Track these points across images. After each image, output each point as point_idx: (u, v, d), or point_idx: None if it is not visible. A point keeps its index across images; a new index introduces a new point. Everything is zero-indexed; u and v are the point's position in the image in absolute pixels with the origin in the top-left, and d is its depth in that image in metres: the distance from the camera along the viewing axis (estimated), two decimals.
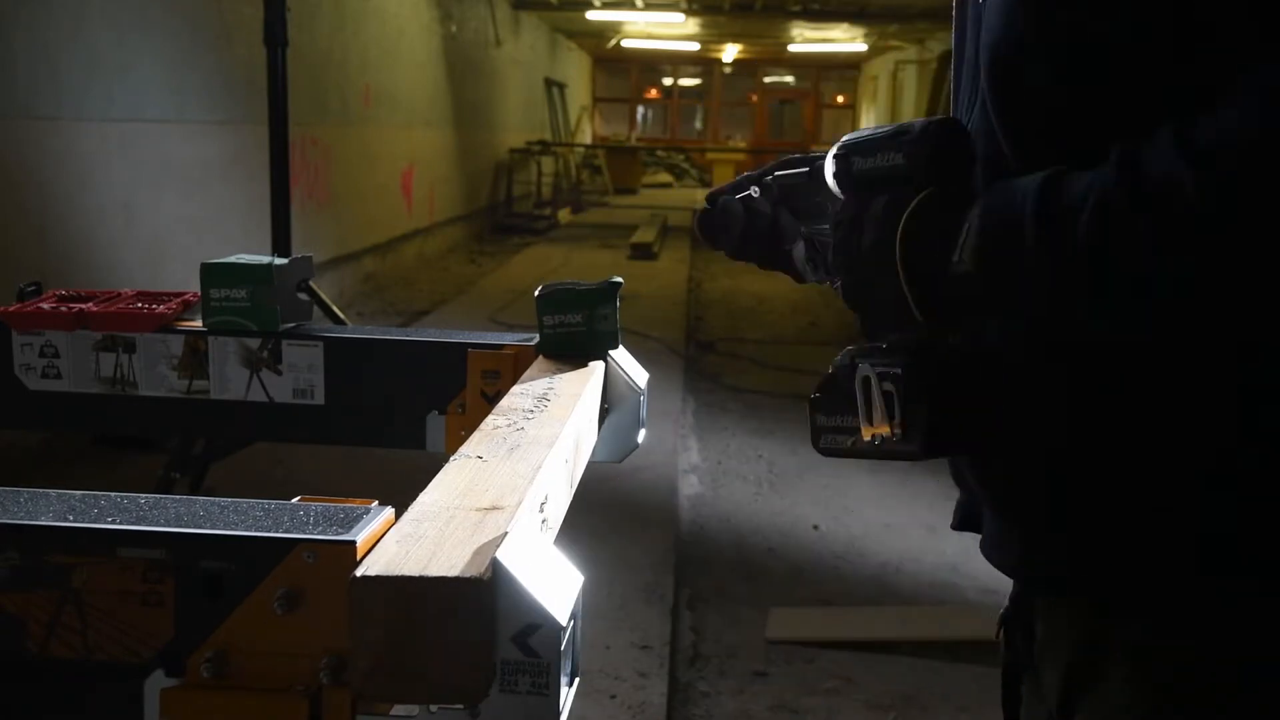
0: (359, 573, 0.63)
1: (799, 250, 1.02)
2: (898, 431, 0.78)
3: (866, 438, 0.80)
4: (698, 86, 28.18)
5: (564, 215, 15.15)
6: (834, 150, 0.83)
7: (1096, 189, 0.68)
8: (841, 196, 0.83)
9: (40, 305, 1.34)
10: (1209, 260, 0.66)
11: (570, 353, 1.20)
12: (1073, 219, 0.69)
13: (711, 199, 1.07)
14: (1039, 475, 0.83)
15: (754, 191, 1.03)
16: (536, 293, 1.23)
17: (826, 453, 0.85)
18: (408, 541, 0.68)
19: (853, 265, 0.80)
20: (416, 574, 0.63)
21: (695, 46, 23.28)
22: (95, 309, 1.32)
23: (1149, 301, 0.69)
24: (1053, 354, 0.79)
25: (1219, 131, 0.65)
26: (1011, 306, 0.75)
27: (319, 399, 1.31)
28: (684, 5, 15.53)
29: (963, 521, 0.98)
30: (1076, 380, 0.79)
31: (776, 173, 1.00)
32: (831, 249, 0.83)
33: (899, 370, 0.78)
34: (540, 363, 1.19)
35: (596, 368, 1.18)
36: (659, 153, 25.03)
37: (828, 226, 0.90)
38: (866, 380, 0.79)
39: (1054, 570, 0.84)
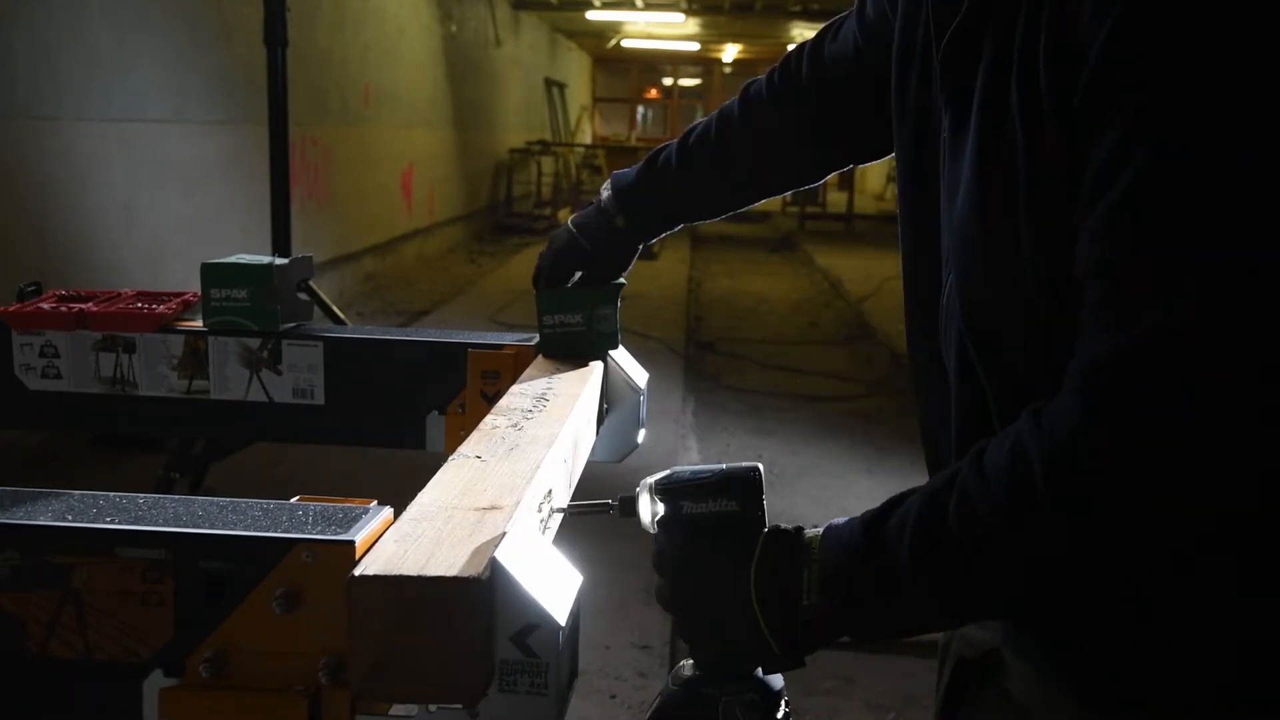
0: (358, 572, 0.63)
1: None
2: None
3: None
4: (698, 86, 28.16)
5: (564, 215, 15.12)
6: (654, 489, 0.86)
7: (913, 522, 0.77)
8: (654, 533, 0.86)
9: (40, 305, 1.34)
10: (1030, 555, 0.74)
11: (570, 353, 1.20)
12: (897, 553, 0.77)
13: None
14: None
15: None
16: (536, 293, 1.23)
17: None
18: (406, 541, 0.68)
19: (698, 608, 0.84)
20: (415, 573, 0.63)
21: (695, 46, 23.26)
22: (95, 309, 1.32)
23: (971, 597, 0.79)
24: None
25: (1044, 438, 0.72)
26: (862, 625, 0.82)
27: (319, 399, 1.31)
28: (684, 5, 15.52)
29: None
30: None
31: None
32: (665, 591, 0.85)
33: (756, 698, 0.84)
34: (539, 363, 1.19)
35: (596, 368, 1.18)
36: None
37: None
38: (730, 708, 0.84)
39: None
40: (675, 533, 0.84)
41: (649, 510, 0.86)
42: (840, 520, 0.83)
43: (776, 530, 0.83)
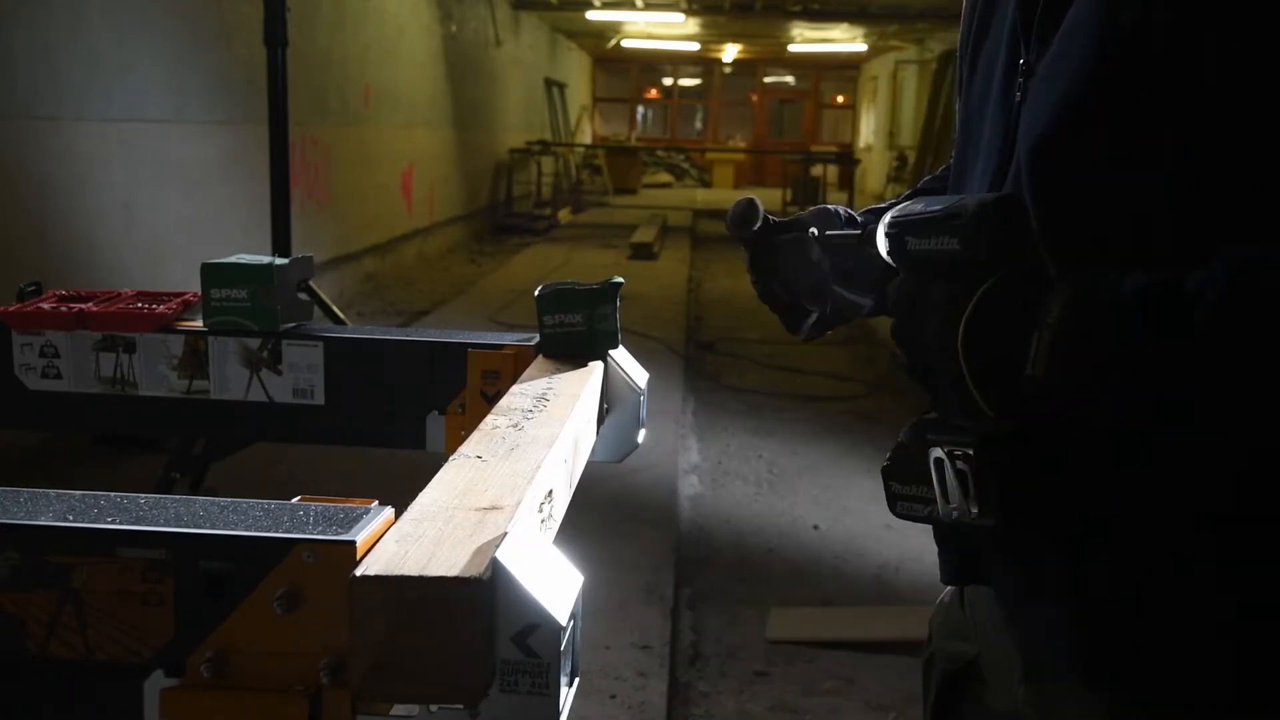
0: (359, 572, 0.63)
1: (810, 321, 1.07)
2: (974, 509, 0.78)
3: (943, 514, 0.80)
4: (698, 86, 28.16)
5: (564, 215, 15.15)
6: (885, 226, 0.81)
7: (1210, 295, 0.67)
8: (895, 266, 0.82)
9: (40, 305, 1.34)
10: None
11: (570, 353, 1.20)
12: (1188, 322, 0.68)
13: (756, 215, 1.07)
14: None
15: (811, 232, 1.04)
16: (536, 293, 1.23)
17: (903, 518, 0.86)
18: (407, 541, 0.68)
19: (916, 350, 0.79)
20: (416, 574, 0.63)
21: (695, 46, 23.26)
22: (95, 309, 1.32)
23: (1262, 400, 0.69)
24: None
25: None
26: (1090, 410, 0.74)
27: (319, 399, 1.31)
28: (684, 5, 15.52)
29: (958, 574, 0.99)
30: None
31: (827, 231, 1.01)
32: (893, 326, 0.82)
33: (970, 451, 0.77)
34: (540, 362, 1.19)
35: (596, 368, 1.18)
36: (659, 153, 25.02)
37: (862, 299, 0.94)
38: (940, 461, 0.79)
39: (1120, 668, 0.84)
40: (900, 268, 0.80)
41: (884, 245, 0.81)
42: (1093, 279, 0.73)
43: (1008, 278, 0.74)
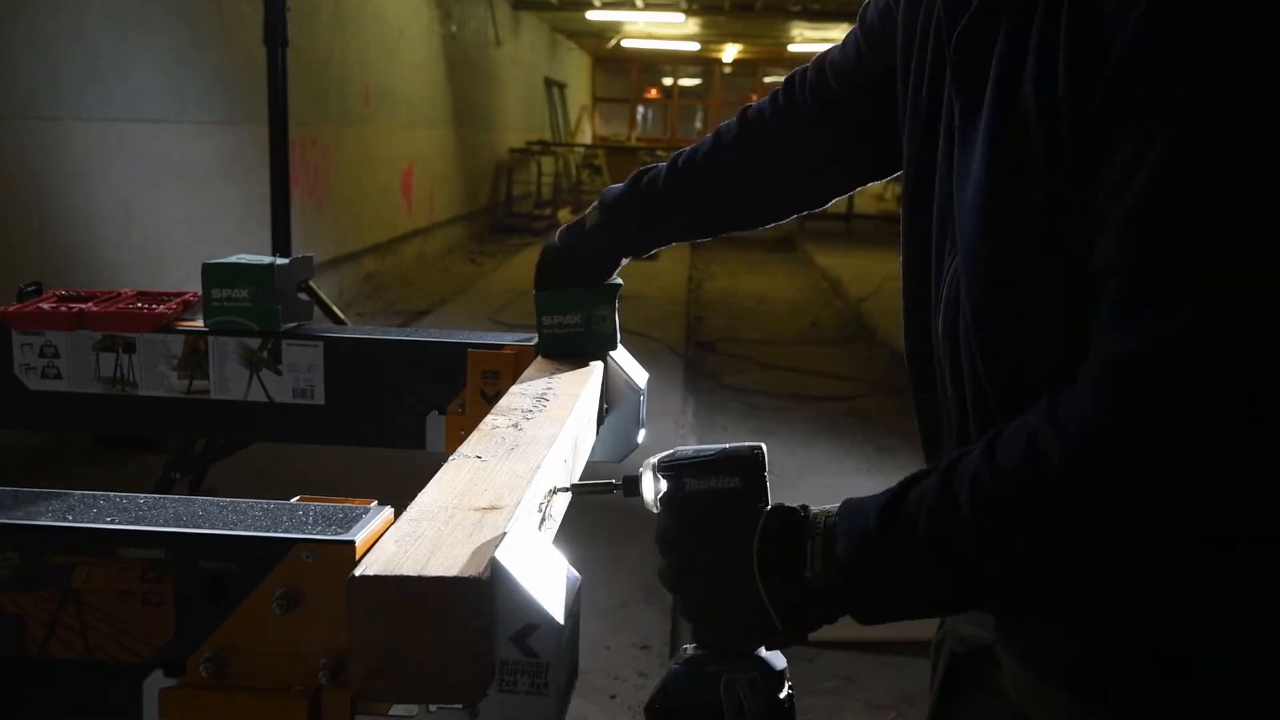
0: (358, 572, 0.63)
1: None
2: None
3: None
4: (698, 86, 28.16)
5: (564, 215, 15.14)
6: (657, 468, 0.87)
7: (928, 507, 0.78)
8: (660, 513, 0.86)
9: (40, 305, 1.34)
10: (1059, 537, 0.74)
11: (568, 354, 1.20)
12: (912, 536, 0.78)
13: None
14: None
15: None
16: (535, 294, 1.23)
17: None
18: (406, 541, 0.68)
19: (696, 584, 0.84)
20: (415, 574, 0.63)
21: (695, 46, 23.26)
22: (95, 309, 1.32)
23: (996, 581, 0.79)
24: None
25: (1058, 429, 0.72)
26: (864, 600, 0.82)
27: (319, 399, 1.31)
28: (684, 5, 15.52)
29: None
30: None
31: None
32: (668, 570, 0.86)
33: (756, 677, 0.85)
34: (539, 363, 1.19)
35: (595, 368, 1.18)
36: (659, 153, 24.99)
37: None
38: (731, 686, 0.84)
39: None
40: (677, 509, 0.85)
41: (652, 489, 0.87)
42: (856, 498, 0.83)
43: (780, 506, 0.84)
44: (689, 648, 0.87)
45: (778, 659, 0.87)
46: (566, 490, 0.92)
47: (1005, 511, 0.75)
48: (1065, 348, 0.77)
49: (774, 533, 0.82)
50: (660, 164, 1.28)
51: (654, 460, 0.87)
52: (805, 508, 0.84)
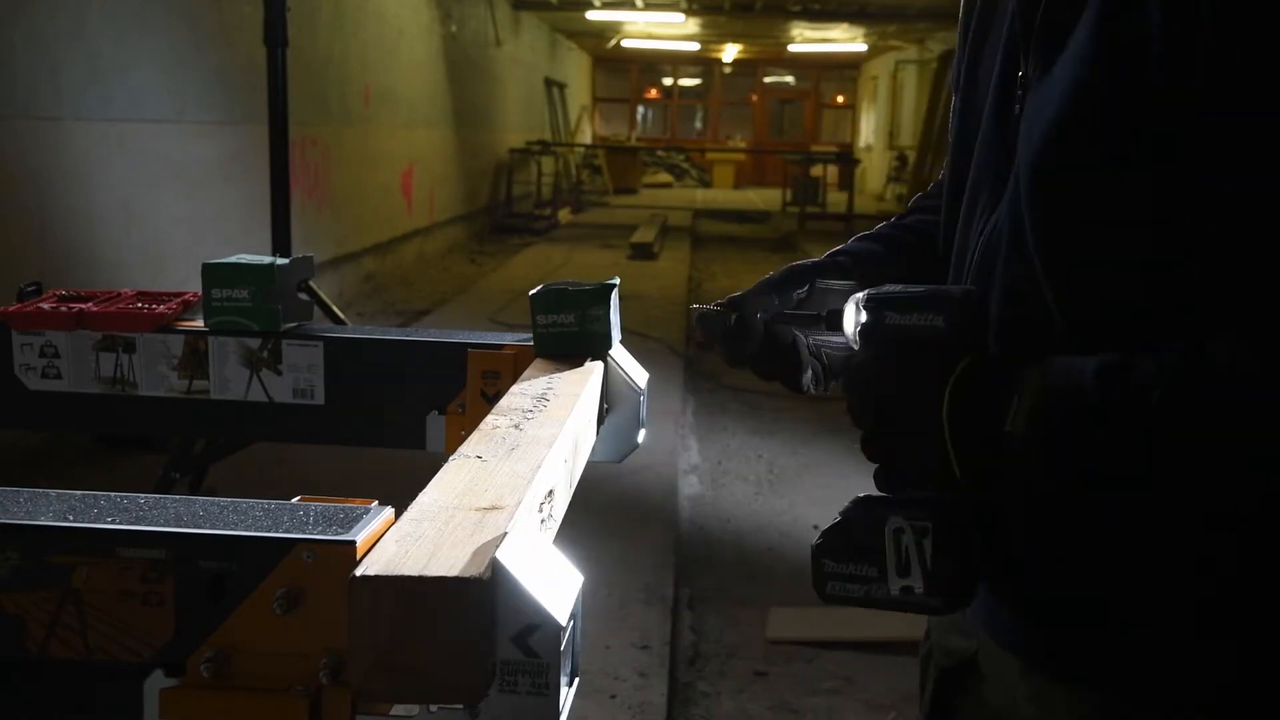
0: (358, 572, 0.63)
1: (807, 376, 1.02)
2: (920, 587, 0.80)
3: (894, 590, 0.81)
4: (698, 86, 28.17)
5: (564, 215, 15.15)
6: (861, 301, 0.83)
7: (1167, 376, 0.72)
8: (858, 347, 0.83)
9: (40, 305, 1.34)
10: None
11: (563, 353, 1.20)
12: (1143, 396, 0.72)
13: (728, 306, 1.05)
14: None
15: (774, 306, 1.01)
16: (530, 294, 1.23)
17: (832, 600, 0.85)
18: (407, 541, 0.68)
19: (884, 422, 0.81)
20: (416, 574, 0.63)
21: (695, 46, 23.27)
22: (95, 309, 1.32)
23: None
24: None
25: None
26: (1063, 469, 0.77)
27: (319, 399, 1.31)
28: (684, 5, 15.53)
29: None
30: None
31: (786, 311, 0.99)
32: (853, 404, 0.83)
33: (929, 525, 0.79)
34: (539, 363, 1.19)
35: (595, 368, 1.18)
36: (659, 153, 25.03)
37: (835, 340, 0.91)
38: (899, 532, 0.80)
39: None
40: (875, 343, 0.82)
41: (853, 322, 0.83)
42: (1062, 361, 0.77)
43: (986, 354, 0.79)
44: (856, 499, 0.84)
45: (958, 511, 0.81)
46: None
47: (1239, 399, 0.70)
48: (1144, 285, 0.75)
49: (971, 379, 0.77)
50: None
51: (859, 295, 0.83)
52: (1016, 360, 0.78)
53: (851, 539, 0.82)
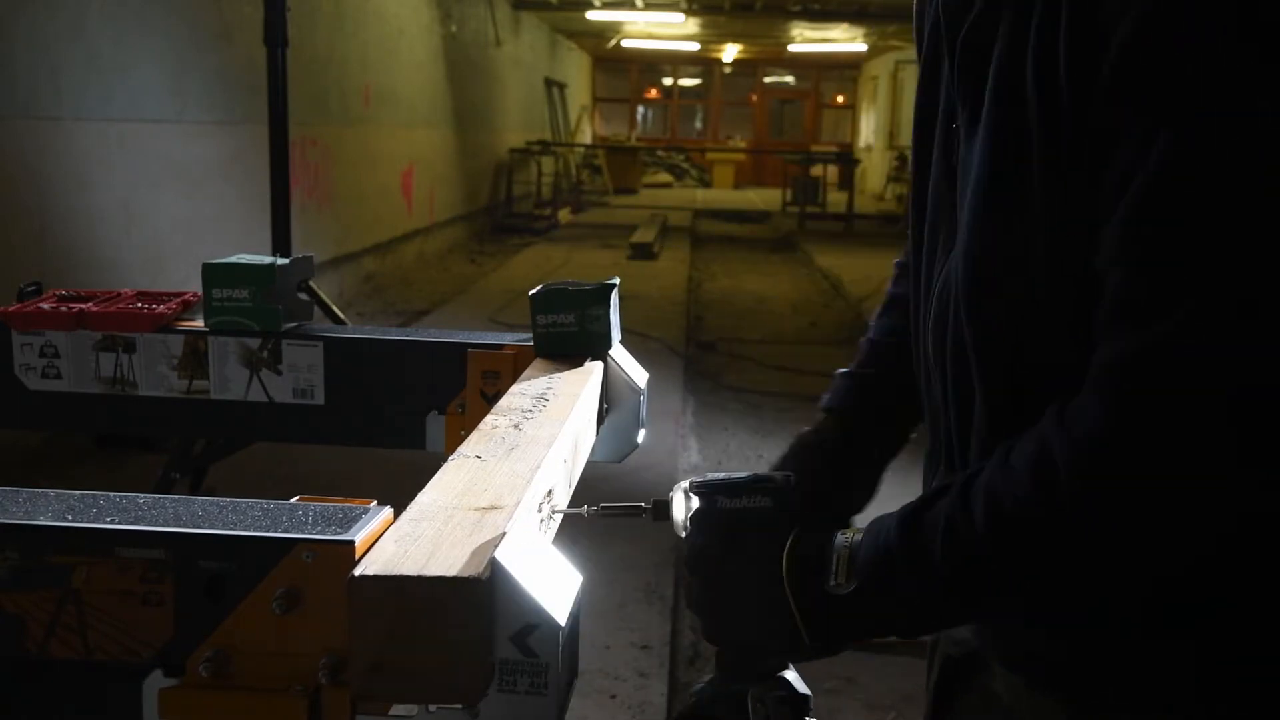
0: (358, 572, 0.63)
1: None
2: None
3: None
4: (698, 86, 28.16)
5: (564, 215, 15.15)
6: (689, 488, 0.89)
7: (944, 518, 0.78)
8: (687, 533, 0.88)
9: (40, 305, 1.34)
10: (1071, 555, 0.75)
11: (562, 353, 1.20)
12: (930, 548, 0.78)
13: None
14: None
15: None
16: (530, 294, 1.23)
17: None
18: (406, 541, 0.68)
19: (724, 601, 0.87)
20: (415, 573, 0.63)
21: (695, 46, 23.27)
22: (95, 309, 1.32)
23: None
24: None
25: (1071, 439, 0.72)
26: (887, 612, 0.83)
27: (319, 399, 1.31)
28: (684, 5, 15.53)
29: None
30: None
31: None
32: (697, 587, 0.88)
33: (784, 695, 0.88)
34: (539, 363, 1.19)
35: (595, 368, 1.18)
36: (659, 153, 25.03)
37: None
38: (761, 703, 0.87)
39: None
40: (709, 527, 0.87)
41: (682, 510, 0.89)
42: (883, 515, 0.85)
43: (810, 525, 0.86)
44: (709, 673, 0.90)
45: (801, 684, 0.89)
46: (595, 511, 0.93)
47: (1016, 520, 0.75)
48: (1066, 349, 0.77)
49: (803, 546, 0.84)
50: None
51: (685, 483, 0.89)
52: (834, 527, 0.86)
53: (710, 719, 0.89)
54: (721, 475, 0.89)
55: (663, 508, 0.90)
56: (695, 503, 0.88)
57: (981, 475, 0.78)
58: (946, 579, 0.78)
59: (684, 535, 0.89)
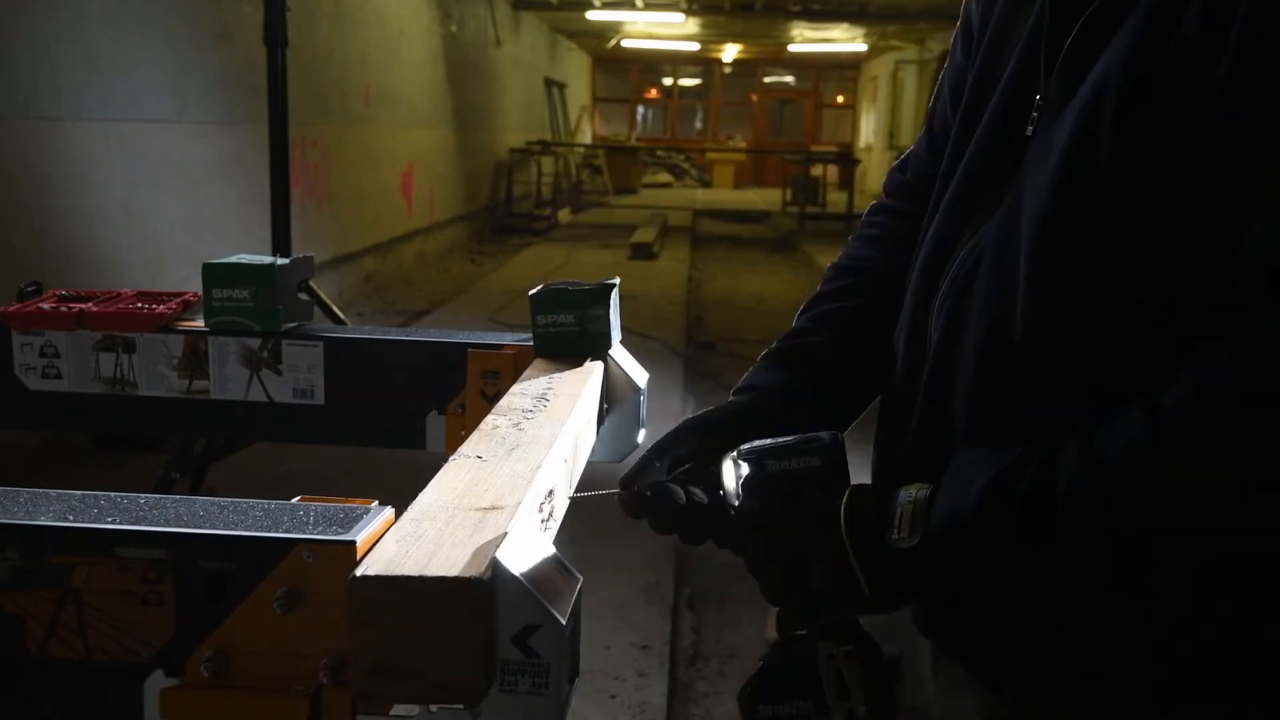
0: (359, 572, 0.63)
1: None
2: (861, 708, 0.87)
3: (840, 717, 0.87)
4: (698, 86, 28.16)
5: (564, 215, 15.15)
6: (739, 456, 0.89)
7: (1045, 488, 0.77)
8: (739, 499, 0.88)
9: (40, 305, 1.34)
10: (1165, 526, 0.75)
11: (562, 353, 1.20)
12: (1043, 504, 0.77)
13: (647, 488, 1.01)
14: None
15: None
16: (530, 294, 1.23)
17: None
18: (407, 541, 0.68)
19: (783, 559, 0.86)
20: (416, 574, 0.63)
21: (695, 46, 23.27)
22: (95, 309, 1.32)
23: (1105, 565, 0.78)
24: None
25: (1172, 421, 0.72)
26: (953, 578, 0.83)
27: (319, 399, 1.31)
28: (684, 5, 15.52)
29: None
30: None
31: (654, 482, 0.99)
32: (754, 551, 0.88)
33: (853, 647, 0.87)
34: (539, 363, 1.19)
35: (595, 368, 1.18)
36: (659, 153, 25.03)
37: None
38: (831, 659, 0.87)
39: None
40: (762, 491, 0.87)
41: (733, 478, 0.89)
42: (959, 473, 0.83)
43: (864, 483, 0.86)
44: (771, 636, 0.89)
45: (872, 638, 0.88)
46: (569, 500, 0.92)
47: (1103, 509, 0.75)
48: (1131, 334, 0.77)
49: (861, 501, 0.84)
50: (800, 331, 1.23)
51: (733, 452, 0.89)
52: (891, 486, 0.85)
53: (780, 680, 0.88)
54: (767, 441, 0.89)
55: (713, 479, 0.91)
56: (745, 469, 0.87)
57: (1100, 432, 0.76)
58: (1009, 544, 0.78)
59: (736, 503, 0.88)
